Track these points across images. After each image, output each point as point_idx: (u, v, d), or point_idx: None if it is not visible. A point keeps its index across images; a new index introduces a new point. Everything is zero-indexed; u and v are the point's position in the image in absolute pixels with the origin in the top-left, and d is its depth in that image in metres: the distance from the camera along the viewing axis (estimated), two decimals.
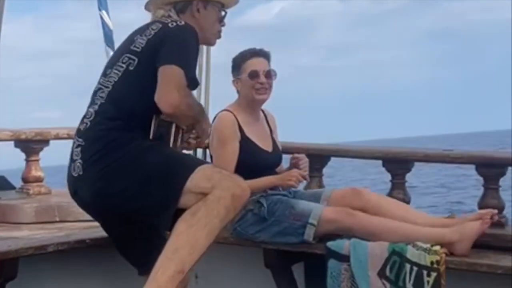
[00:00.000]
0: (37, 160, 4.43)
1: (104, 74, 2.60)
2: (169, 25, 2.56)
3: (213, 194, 2.33)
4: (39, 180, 4.41)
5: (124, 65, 2.54)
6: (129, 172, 2.42)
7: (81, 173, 2.46)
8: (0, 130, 4.31)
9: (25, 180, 4.41)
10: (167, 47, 2.48)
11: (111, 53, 4.37)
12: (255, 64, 3.28)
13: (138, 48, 2.55)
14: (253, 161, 3.22)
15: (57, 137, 4.40)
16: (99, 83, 2.60)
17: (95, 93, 2.59)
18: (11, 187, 4.64)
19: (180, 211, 2.40)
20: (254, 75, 3.25)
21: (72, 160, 2.51)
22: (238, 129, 3.24)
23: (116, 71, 2.55)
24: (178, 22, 2.58)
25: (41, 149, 4.44)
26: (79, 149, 2.49)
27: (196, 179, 2.37)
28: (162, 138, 2.51)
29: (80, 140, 2.51)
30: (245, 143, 3.24)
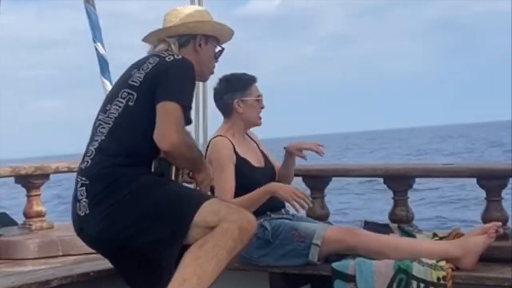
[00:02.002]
0: (38, 195, 4.42)
1: (104, 110, 2.59)
2: (166, 59, 2.57)
3: (221, 227, 2.34)
4: (41, 215, 4.40)
5: (124, 101, 2.54)
6: (136, 209, 2.41)
7: (87, 212, 2.45)
8: None
9: (27, 215, 4.40)
10: (165, 82, 2.48)
11: (107, 84, 4.40)
12: (257, 89, 3.35)
13: (136, 82, 2.55)
14: (250, 180, 3.22)
15: (57, 171, 4.40)
16: (98, 119, 2.59)
17: (95, 129, 2.58)
18: (13, 223, 4.62)
19: (186, 246, 2.39)
20: (260, 99, 3.33)
21: (76, 200, 2.49)
22: (233, 152, 3.25)
23: (116, 107, 2.55)
24: (175, 56, 2.59)
25: (42, 183, 4.43)
26: (83, 188, 2.47)
27: (203, 214, 2.38)
28: (163, 176, 2.53)
29: (83, 179, 2.49)
30: (241, 164, 3.25)
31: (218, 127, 3.41)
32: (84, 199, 2.46)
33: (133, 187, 2.42)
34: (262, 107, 3.35)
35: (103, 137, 2.52)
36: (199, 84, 3.90)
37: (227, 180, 3.18)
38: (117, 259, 2.67)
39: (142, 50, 2.79)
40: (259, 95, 3.33)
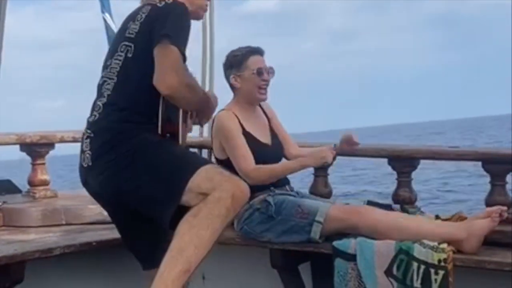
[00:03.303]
0: (43, 164, 4.42)
1: (105, 66, 2.62)
2: (158, 4, 2.57)
3: (213, 196, 2.37)
4: (45, 183, 4.41)
5: (123, 54, 2.56)
6: (135, 165, 2.45)
7: (90, 163, 2.52)
8: (5, 134, 4.31)
9: (31, 183, 4.41)
10: (159, 26, 2.48)
11: None
12: (259, 61, 3.30)
13: (132, 34, 2.56)
14: (256, 156, 3.21)
15: (63, 140, 4.39)
16: (102, 76, 2.62)
17: (100, 86, 2.61)
18: (17, 190, 4.64)
19: (183, 210, 2.41)
20: (260, 72, 3.26)
21: (82, 151, 2.56)
22: (239, 124, 3.24)
23: (116, 61, 2.57)
24: (167, 1, 2.58)
25: (47, 152, 4.43)
26: (88, 140, 2.54)
27: (198, 180, 2.40)
28: (170, 121, 2.53)
29: (89, 131, 2.56)
30: (246, 138, 3.24)
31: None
32: (88, 151, 2.53)
33: (135, 143, 2.46)
34: (264, 80, 3.26)
35: (109, 92, 2.56)
36: (206, 62, 3.90)
37: (241, 147, 3.17)
38: (117, 215, 2.73)
39: None
40: (259, 68, 3.26)
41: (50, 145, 4.42)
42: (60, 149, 4.50)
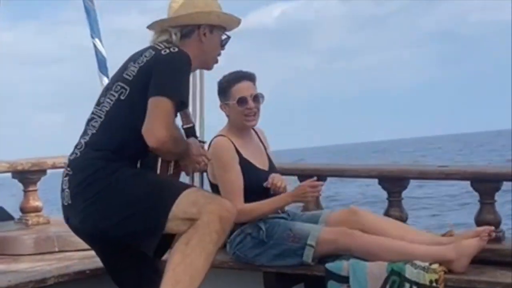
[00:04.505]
0: (35, 190, 4.43)
1: (98, 103, 2.61)
2: (162, 52, 2.55)
3: (202, 220, 2.36)
4: (37, 210, 4.41)
5: (116, 94, 2.55)
6: (115, 199, 2.44)
7: (69, 202, 2.51)
8: None
9: (23, 210, 4.41)
10: (158, 77, 2.48)
11: (105, 80, 4.39)
12: (242, 89, 3.24)
13: (129, 76, 2.55)
14: (253, 182, 3.22)
15: (54, 167, 4.39)
16: (92, 112, 2.61)
17: (88, 122, 2.60)
18: (10, 217, 4.63)
19: (170, 237, 2.42)
20: (243, 101, 3.23)
21: (62, 189, 2.55)
22: (235, 152, 3.24)
23: (109, 100, 2.56)
24: (172, 49, 2.56)
25: (39, 179, 4.44)
26: (67, 178, 2.53)
27: (182, 205, 2.39)
28: (149, 168, 2.54)
29: (68, 169, 2.55)
30: (244, 165, 3.24)
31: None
32: (67, 189, 2.51)
33: (112, 179, 2.44)
34: (248, 108, 3.22)
35: (94, 131, 2.54)
36: (196, 77, 3.84)
37: (233, 181, 3.17)
38: (102, 251, 2.72)
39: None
40: (240, 97, 3.22)
41: (42, 172, 4.43)
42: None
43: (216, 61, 2.85)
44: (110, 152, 2.49)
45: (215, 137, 3.31)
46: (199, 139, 2.83)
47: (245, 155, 3.28)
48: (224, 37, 2.80)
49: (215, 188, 3.28)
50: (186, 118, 2.78)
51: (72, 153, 2.58)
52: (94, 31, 5.08)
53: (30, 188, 4.40)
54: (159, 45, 2.61)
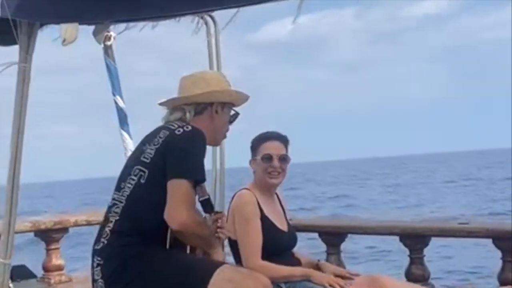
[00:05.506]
0: (58, 248, 4.46)
1: (118, 188, 2.61)
2: (176, 132, 2.57)
3: None
4: (59, 268, 4.44)
5: (135, 178, 2.55)
6: (151, 283, 2.44)
7: None
8: (20, 222, 4.36)
9: (46, 269, 4.44)
10: (174, 158, 2.50)
11: (126, 136, 4.46)
12: (270, 147, 3.31)
13: (147, 159, 2.56)
14: (272, 241, 3.21)
15: (77, 224, 4.45)
16: (113, 198, 2.61)
17: (109, 209, 2.59)
18: (32, 275, 4.65)
19: None
20: (268, 158, 3.28)
21: (93, 280, 2.52)
22: (258, 207, 3.26)
23: (129, 185, 2.56)
24: (185, 128, 2.59)
25: (61, 237, 4.48)
26: (98, 268, 2.50)
27: (218, 283, 2.38)
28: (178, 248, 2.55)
29: (98, 259, 2.51)
30: (265, 222, 3.25)
31: None
32: (100, 280, 2.48)
33: (145, 266, 2.44)
34: (272, 166, 3.20)
35: (117, 217, 2.53)
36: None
37: (252, 235, 3.15)
38: None
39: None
40: (265, 154, 3.22)
41: (64, 230, 4.48)
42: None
43: (225, 137, 2.90)
44: (137, 237, 2.49)
45: (240, 190, 3.33)
46: (216, 209, 2.86)
47: (267, 212, 3.28)
48: (232, 112, 2.86)
49: (234, 246, 3.30)
50: (202, 191, 2.79)
51: (99, 242, 2.55)
52: (116, 88, 5.16)
53: (53, 247, 4.45)
54: (172, 125, 2.64)
